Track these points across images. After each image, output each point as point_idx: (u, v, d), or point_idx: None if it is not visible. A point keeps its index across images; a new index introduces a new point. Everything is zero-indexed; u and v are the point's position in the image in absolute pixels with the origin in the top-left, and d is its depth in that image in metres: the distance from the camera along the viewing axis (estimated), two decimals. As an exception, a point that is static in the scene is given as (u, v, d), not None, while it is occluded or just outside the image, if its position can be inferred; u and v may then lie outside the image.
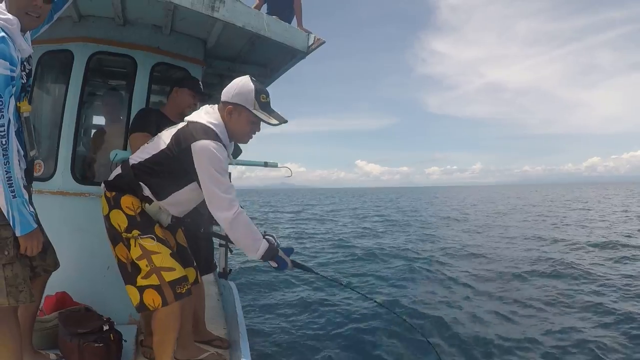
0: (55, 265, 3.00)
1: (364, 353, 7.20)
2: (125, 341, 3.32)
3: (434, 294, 10.80)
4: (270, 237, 3.03)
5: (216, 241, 5.08)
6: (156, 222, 3.00)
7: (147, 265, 2.82)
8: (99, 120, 5.34)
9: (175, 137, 2.85)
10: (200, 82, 4.10)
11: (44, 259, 2.87)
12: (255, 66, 5.26)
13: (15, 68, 2.35)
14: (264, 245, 2.86)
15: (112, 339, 3.16)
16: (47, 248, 2.87)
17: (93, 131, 5.34)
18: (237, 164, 5.00)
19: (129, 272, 2.90)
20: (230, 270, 5.58)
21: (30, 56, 2.61)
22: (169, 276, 2.83)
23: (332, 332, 8.11)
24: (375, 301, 4.03)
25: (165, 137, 2.92)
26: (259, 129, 3.04)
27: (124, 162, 3.07)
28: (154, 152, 2.92)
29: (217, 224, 5.48)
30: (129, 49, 4.20)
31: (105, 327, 3.18)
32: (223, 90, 2.97)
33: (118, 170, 3.04)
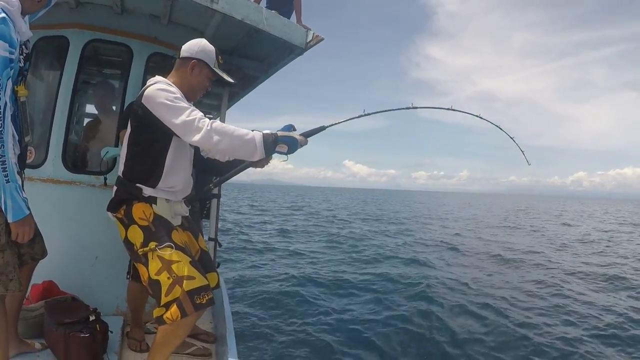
0: (43, 253, 2.96)
1: (353, 344, 7.23)
2: (112, 332, 3.29)
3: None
4: (265, 131, 2.82)
5: (205, 235, 5.06)
6: (173, 228, 2.92)
7: (168, 278, 2.70)
8: (92, 108, 5.30)
9: (132, 111, 2.92)
10: None
11: (32, 247, 2.83)
12: (252, 60, 5.23)
13: (14, 50, 2.32)
14: (258, 136, 2.70)
15: (98, 329, 3.13)
16: (36, 236, 2.83)
17: (86, 120, 5.29)
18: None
19: (151, 293, 2.79)
20: (219, 264, 5.55)
21: (28, 40, 2.58)
22: (188, 285, 2.70)
23: (319, 325, 8.17)
24: None
25: (129, 122, 2.96)
26: (210, 88, 3.15)
27: (117, 177, 3.01)
28: (127, 139, 2.94)
29: (207, 218, 5.49)
30: (126, 38, 4.17)
31: (92, 318, 3.15)
32: (183, 47, 3.04)
33: (115, 188, 2.98)
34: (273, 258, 15.13)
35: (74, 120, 4.49)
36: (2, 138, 2.27)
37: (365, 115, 3.35)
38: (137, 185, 2.86)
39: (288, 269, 12.98)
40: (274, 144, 2.75)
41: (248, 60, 5.19)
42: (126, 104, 4.06)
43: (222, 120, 5.43)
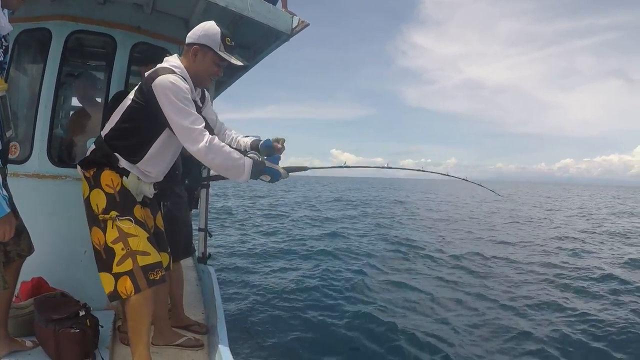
0: (30, 249, 2.93)
1: (342, 336, 7.24)
2: (102, 327, 3.27)
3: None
4: (253, 154, 3.00)
5: (195, 225, 5.03)
6: (136, 203, 2.96)
7: (122, 249, 2.77)
8: (77, 101, 5.25)
9: (138, 87, 2.88)
10: None
11: (18, 244, 2.80)
12: (238, 48, 5.19)
13: None
14: (248, 163, 2.80)
15: (88, 324, 3.11)
16: (21, 232, 2.81)
17: (72, 112, 5.24)
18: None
19: (104, 258, 2.84)
20: (210, 255, 5.54)
21: (8, 33, 2.53)
22: (142, 260, 2.79)
23: (309, 316, 8.20)
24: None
25: (131, 94, 2.93)
26: (221, 73, 3.09)
27: (97, 137, 3.04)
28: (122, 112, 2.91)
29: (196, 207, 5.46)
30: (109, 28, 4.10)
31: (82, 313, 3.13)
32: (188, 34, 3.00)
33: (92, 147, 3.00)
34: (265, 248, 15.16)
35: (60, 114, 4.44)
36: None
37: (346, 167, 3.70)
38: (116, 154, 2.88)
39: (280, 260, 13.02)
40: (259, 173, 2.88)
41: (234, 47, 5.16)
42: (111, 95, 4.01)
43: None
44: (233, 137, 3.45)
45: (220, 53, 2.94)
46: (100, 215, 2.83)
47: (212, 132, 2.97)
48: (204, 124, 2.76)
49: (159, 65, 2.91)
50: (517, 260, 14.11)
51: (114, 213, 2.81)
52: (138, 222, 2.87)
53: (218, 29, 2.95)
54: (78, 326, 3.04)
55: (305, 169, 3.28)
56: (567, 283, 11.32)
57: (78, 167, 2.99)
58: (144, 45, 4.26)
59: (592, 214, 35.50)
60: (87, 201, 2.91)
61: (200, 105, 3.13)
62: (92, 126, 4.21)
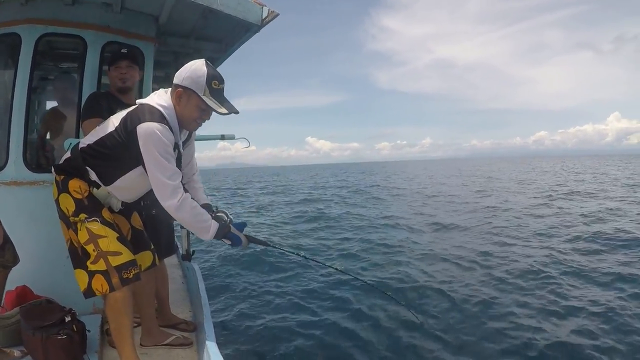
0: (15, 260, 2.95)
1: (329, 330, 7.27)
2: (89, 331, 3.28)
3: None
4: (222, 214, 3.12)
5: (177, 223, 5.02)
6: (104, 206, 2.98)
7: (94, 250, 2.80)
8: (52, 105, 5.20)
9: (124, 120, 2.79)
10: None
11: (2, 255, 2.82)
12: (209, 42, 5.16)
13: None
14: (214, 226, 2.90)
15: (75, 330, 3.11)
16: (6, 242, 2.81)
17: (45, 113, 5.21)
18: (195, 139, 4.97)
19: (80, 256, 2.87)
20: (194, 252, 5.54)
21: None
22: (115, 261, 2.81)
23: (296, 311, 8.20)
24: (336, 268, 4.01)
25: (116, 119, 2.86)
26: (208, 117, 2.94)
27: (74, 146, 3.02)
28: (102, 135, 2.86)
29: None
30: (78, 29, 4.06)
31: (68, 319, 3.13)
32: (176, 73, 2.88)
33: (68, 154, 3.00)
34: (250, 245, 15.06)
35: (35, 118, 4.40)
36: None
37: (305, 258, 3.90)
38: (87, 168, 2.89)
39: (266, 255, 13.03)
40: (222, 236, 3.00)
41: (206, 42, 5.12)
42: (84, 96, 3.98)
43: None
44: (195, 186, 3.44)
45: (205, 98, 2.78)
46: (71, 217, 2.86)
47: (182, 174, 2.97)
48: (180, 179, 2.77)
49: (147, 102, 2.81)
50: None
51: (82, 215, 2.83)
52: (105, 223, 2.87)
53: (205, 70, 2.77)
54: (65, 332, 3.04)
55: (267, 244, 3.36)
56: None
57: (52, 169, 3.01)
58: (115, 45, 4.21)
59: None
60: (57, 202, 2.93)
61: (182, 150, 3.04)
62: (68, 127, 4.18)
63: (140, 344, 3.43)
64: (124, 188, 2.98)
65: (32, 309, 3.25)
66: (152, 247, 3.39)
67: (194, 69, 2.78)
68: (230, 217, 3.18)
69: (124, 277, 2.81)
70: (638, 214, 17.47)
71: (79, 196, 2.86)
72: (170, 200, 2.72)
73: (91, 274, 2.81)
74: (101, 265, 2.78)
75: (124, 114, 2.83)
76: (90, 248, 2.80)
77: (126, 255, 2.87)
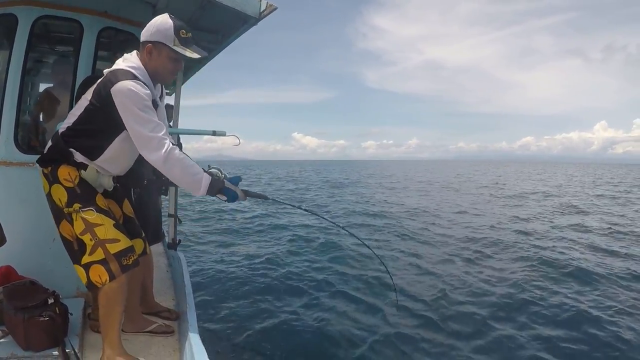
0: (1, 241, 2.94)
1: (312, 322, 7.30)
2: (72, 314, 3.28)
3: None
4: (215, 170, 2.99)
5: (165, 211, 5.03)
6: (97, 192, 2.97)
7: (91, 239, 2.78)
8: (45, 87, 5.19)
9: (96, 90, 2.80)
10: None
11: None
12: (206, 32, 5.16)
13: None
14: (206, 179, 2.77)
15: (58, 312, 3.11)
16: None
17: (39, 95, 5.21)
18: (186, 133, 4.95)
19: (75, 250, 2.86)
20: (180, 241, 5.54)
21: None
22: (113, 248, 2.79)
23: (279, 301, 8.25)
24: (338, 224, 3.99)
25: (88, 94, 2.87)
26: (180, 67, 3.05)
27: (54, 133, 3.01)
28: (79, 113, 2.87)
29: (165, 194, 5.45)
30: (75, 13, 4.06)
31: (51, 301, 3.13)
32: (142, 31, 2.92)
33: (49, 144, 2.99)
34: (235, 235, 15.28)
35: (28, 100, 4.39)
36: None
37: (305, 210, 3.72)
38: (71, 149, 2.87)
39: (251, 246, 13.07)
40: (217, 192, 2.85)
41: (202, 32, 5.12)
42: (78, 80, 3.98)
43: (177, 96, 5.38)
44: None
45: (175, 48, 2.84)
46: (65, 209, 2.84)
47: None
48: (164, 131, 2.72)
49: (117, 66, 2.84)
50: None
51: (76, 205, 2.81)
52: (101, 211, 2.86)
53: (171, 22, 2.84)
54: (47, 314, 3.03)
55: (265, 197, 3.27)
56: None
57: (36, 164, 2.99)
58: (111, 30, 4.23)
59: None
60: (49, 196, 2.92)
61: (160, 104, 3.07)
62: (63, 110, 4.18)
63: (122, 330, 3.42)
64: (113, 159, 2.95)
65: (15, 289, 3.24)
66: (143, 235, 3.39)
67: (160, 22, 2.85)
68: (225, 173, 3.04)
69: (124, 263, 2.80)
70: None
71: (70, 184, 2.85)
72: (156, 153, 2.65)
73: (87, 267, 2.79)
74: (99, 255, 2.77)
75: (95, 86, 2.84)
76: (87, 238, 2.78)
77: (124, 242, 2.86)
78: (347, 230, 4.01)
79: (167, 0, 4.12)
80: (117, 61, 2.91)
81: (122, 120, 2.68)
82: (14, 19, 3.92)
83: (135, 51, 2.96)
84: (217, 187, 2.83)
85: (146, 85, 2.77)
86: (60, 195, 2.84)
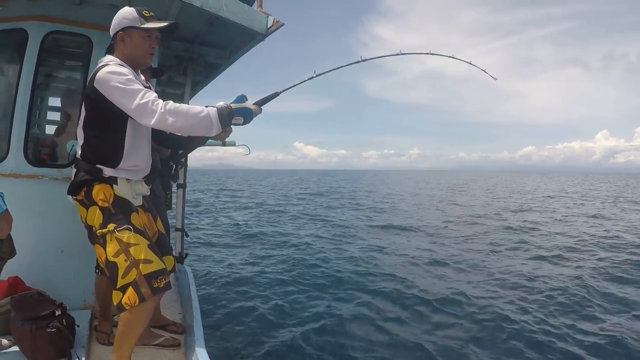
0: (11, 253, 2.95)
1: (320, 334, 7.30)
2: (78, 326, 3.28)
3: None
4: (220, 103, 2.84)
5: (172, 225, 5.05)
6: (133, 211, 2.93)
7: (125, 260, 2.71)
8: (54, 102, 5.24)
9: (85, 95, 2.88)
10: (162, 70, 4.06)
11: (0, 246, 2.81)
12: (214, 48, 5.21)
13: None
14: (212, 111, 2.69)
15: (65, 323, 3.11)
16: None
17: (49, 113, 5.27)
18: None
19: (108, 276, 2.81)
20: (187, 254, 5.56)
21: None
22: (145, 269, 2.71)
23: (286, 314, 8.23)
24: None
25: (82, 107, 2.94)
26: (155, 44, 3.02)
27: (75, 159, 3.02)
28: (82, 125, 2.91)
29: (170, 208, 5.48)
30: (85, 29, 4.11)
31: (58, 312, 3.13)
32: (110, 29, 2.98)
33: (73, 171, 2.98)
34: (241, 245, 15.34)
35: (37, 113, 4.43)
36: None
37: (317, 75, 3.30)
38: (97, 166, 2.86)
39: (257, 257, 13.07)
40: (229, 118, 2.76)
41: (210, 48, 5.18)
42: None
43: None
44: None
45: (142, 26, 2.89)
46: (99, 231, 2.79)
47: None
48: (155, 95, 2.70)
49: (96, 66, 2.90)
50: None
51: (111, 226, 2.77)
52: (137, 231, 2.82)
53: (131, 8, 2.93)
54: (54, 325, 3.04)
55: (276, 94, 3.08)
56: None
57: (69, 196, 2.97)
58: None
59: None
60: (86, 224, 2.90)
61: (148, 85, 3.03)
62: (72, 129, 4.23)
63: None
64: (133, 152, 2.94)
65: (23, 300, 3.25)
66: (173, 251, 3.37)
67: (122, 11, 2.94)
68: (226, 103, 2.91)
69: (154, 286, 2.72)
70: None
71: (105, 204, 2.82)
72: (155, 114, 2.61)
73: (124, 289, 2.70)
74: (132, 276, 2.69)
75: (85, 96, 2.91)
76: (121, 259, 2.71)
77: (157, 264, 2.79)
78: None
79: (176, 15, 4.16)
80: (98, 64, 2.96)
81: (117, 108, 2.70)
82: (25, 34, 3.97)
83: (107, 54, 3.02)
84: (227, 112, 2.74)
85: (125, 66, 2.84)
86: (96, 217, 2.81)
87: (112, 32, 2.95)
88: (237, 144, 5.27)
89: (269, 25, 4.31)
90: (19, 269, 3.55)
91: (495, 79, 4.26)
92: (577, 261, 12.92)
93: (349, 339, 7.11)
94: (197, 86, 6.74)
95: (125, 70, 2.77)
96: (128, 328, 2.82)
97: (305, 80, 3.29)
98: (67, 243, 3.81)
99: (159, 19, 2.98)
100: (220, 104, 2.78)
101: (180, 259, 5.42)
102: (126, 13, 2.90)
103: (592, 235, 17.85)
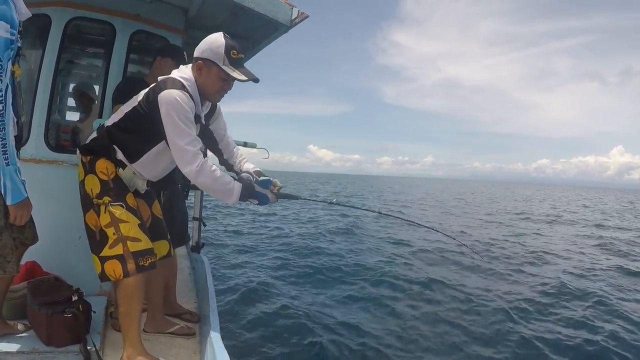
0: (34, 239, 2.98)
1: (336, 325, 7.31)
2: (94, 312, 3.28)
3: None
4: (246, 175, 3.11)
5: (189, 215, 5.05)
6: (129, 191, 3.00)
7: (114, 234, 2.81)
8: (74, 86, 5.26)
9: (147, 94, 2.86)
10: (184, 53, 4.03)
11: (22, 232, 2.84)
12: (237, 39, 5.17)
13: (15, 31, 2.34)
14: (237, 187, 2.89)
15: (81, 309, 3.10)
16: (27, 221, 2.83)
17: (69, 99, 5.28)
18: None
19: (97, 240, 2.88)
20: (203, 244, 5.57)
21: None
22: (133, 247, 2.83)
23: (301, 306, 8.23)
24: (373, 210, 4.03)
25: (139, 95, 2.93)
26: (230, 87, 3.01)
27: (100, 126, 3.07)
28: (127, 110, 2.92)
29: (186, 198, 5.48)
30: (108, 16, 4.12)
31: (74, 298, 3.13)
32: (196, 47, 2.96)
33: (94, 135, 3.03)
34: (257, 239, 15.35)
35: (57, 99, 4.43)
36: (4, 121, 2.30)
37: (332, 203, 3.83)
38: (114, 146, 2.92)
39: (272, 251, 13.10)
40: (248, 197, 2.99)
41: (233, 38, 5.15)
42: (109, 83, 4.04)
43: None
44: (237, 160, 3.49)
45: (224, 68, 2.86)
46: (94, 199, 2.87)
47: (215, 146, 3.27)
48: (200, 146, 2.79)
49: (170, 75, 2.90)
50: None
51: (106, 199, 2.85)
52: (129, 209, 2.90)
53: (223, 41, 2.88)
54: (70, 311, 3.03)
55: (298, 197, 3.38)
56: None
57: (77, 150, 3.03)
58: (143, 34, 4.27)
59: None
60: (82, 184, 2.95)
61: (203, 122, 3.11)
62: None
63: (144, 330, 3.43)
64: (148, 164, 3.00)
65: (39, 285, 3.25)
66: (169, 237, 3.42)
67: (212, 40, 2.88)
68: (255, 177, 3.16)
69: (140, 264, 2.83)
70: None
71: (105, 177, 2.89)
72: (190, 166, 2.72)
73: (105, 259, 2.83)
74: (118, 250, 2.80)
75: (147, 89, 2.90)
76: (110, 231, 2.82)
77: (145, 243, 2.89)
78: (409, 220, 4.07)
79: (200, 4, 4.14)
80: (173, 71, 2.97)
81: (163, 130, 2.75)
82: (47, 19, 3.98)
83: (190, 64, 3.00)
84: (248, 192, 2.96)
85: (192, 99, 2.81)
86: (93, 185, 2.88)
87: (195, 54, 2.94)
88: (257, 147, 5.27)
89: (293, 17, 4.27)
90: (36, 254, 3.55)
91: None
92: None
93: (369, 339, 7.10)
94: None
95: (189, 106, 2.76)
96: (124, 307, 2.92)
97: (326, 202, 3.88)
98: (85, 229, 3.82)
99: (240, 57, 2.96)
100: (249, 178, 3.07)
101: (197, 248, 5.42)
102: (215, 45, 2.87)
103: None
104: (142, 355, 2.95)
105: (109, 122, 2.98)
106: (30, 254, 3.42)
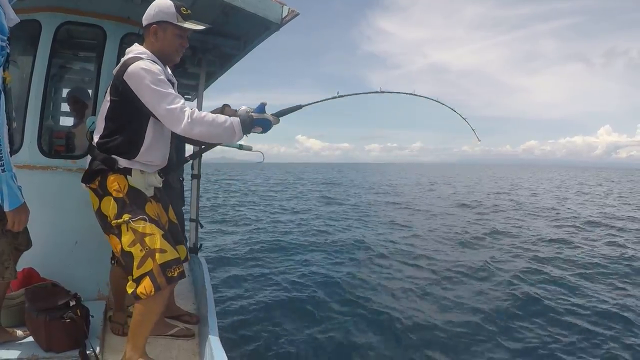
0: (28, 244, 2.99)
1: (334, 327, 7.30)
2: (93, 317, 3.29)
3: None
4: (242, 107, 3.15)
5: (186, 216, 5.04)
6: (147, 201, 2.96)
7: (141, 250, 2.76)
8: (67, 92, 5.25)
9: (113, 84, 2.87)
10: None
11: (16, 238, 2.84)
12: (228, 38, 5.18)
13: (5, 38, 2.33)
14: (236, 122, 2.81)
15: (79, 314, 3.11)
16: None
17: (63, 104, 5.27)
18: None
19: (123, 265, 2.86)
20: (201, 245, 5.56)
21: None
22: (161, 258, 2.77)
23: (300, 306, 8.27)
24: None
25: (107, 96, 2.93)
26: (186, 43, 3.07)
27: (90, 147, 3.06)
28: (104, 112, 2.91)
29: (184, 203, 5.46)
30: (98, 19, 4.11)
31: (72, 303, 3.13)
32: (143, 17, 3.00)
33: (88, 160, 3.01)
34: (255, 236, 15.36)
35: (50, 105, 4.42)
36: None
37: (339, 97, 3.50)
38: (112, 156, 2.88)
39: (271, 249, 13.10)
40: (250, 126, 2.90)
41: (225, 38, 5.13)
42: (101, 87, 4.03)
43: (199, 101, 5.40)
44: None
45: (179, 24, 2.94)
46: (114, 221, 2.82)
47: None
48: (183, 101, 2.76)
49: (124, 58, 2.90)
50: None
51: (126, 216, 2.80)
52: (152, 220, 2.86)
53: (170, 1, 2.93)
54: (69, 316, 3.04)
55: (299, 107, 3.25)
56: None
57: (82, 184, 3.00)
58: (134, 36, 4.24)
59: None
60: (99, 212, 2.91)
61: (175, 81, 3.10)
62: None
63: (143, 334, 3.45)
64: (152, 147, 2.95)
65: (37, 291, 3.26)
66: (186, 241, 3.39)
67: (160, 3, 2.94)
68: (249, 108, 3.14)
69: (169, 275, 2.77)
70: None
71: (120, 195, 2.85)
72: (181, 123, 2.68)
73: (139, 280, 2.75)
74: (148, 266, 2.74)
75: (109, 86, 2.93)
76: (136, 249, 2.76)
77: (171, 253, 2.84)
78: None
79: (190, 5, 4.13)
80: (127, 53, 2.97)
81: (143, 105, 2.73)
82: (38, 25, 3.97)
83: (136, 43, 3.04)
84: (248, 122, 2.88)
85: (156, 63, 2.85)
86: (110, 207, 2.83)
87: (145, 22, 2.97)
88: (253, 150, 5.26)
89: (284, 15, 4.26)
90: (34, 260, 3.56)
91: (479, 141, 4.30)
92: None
93: (371, 342, 7.09)
94: (211, 77, 6.71)
95: (158, 68, 2.78)
96: (143, 317, 2.85)
97: (328, 99, 3.49)
98: (82, 234, 3.81)
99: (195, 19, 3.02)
100: (243, 108, 3.02)
101: (194, 249, 5.42)
102: (164, 6, 2.91)
103: None
104: (142, 357, 2.93)
105: (95, 139, 2.96)
106: (27, 261, 3.43)
